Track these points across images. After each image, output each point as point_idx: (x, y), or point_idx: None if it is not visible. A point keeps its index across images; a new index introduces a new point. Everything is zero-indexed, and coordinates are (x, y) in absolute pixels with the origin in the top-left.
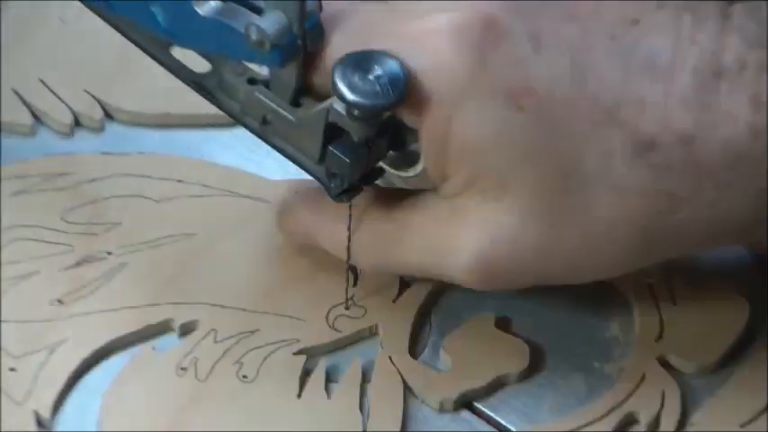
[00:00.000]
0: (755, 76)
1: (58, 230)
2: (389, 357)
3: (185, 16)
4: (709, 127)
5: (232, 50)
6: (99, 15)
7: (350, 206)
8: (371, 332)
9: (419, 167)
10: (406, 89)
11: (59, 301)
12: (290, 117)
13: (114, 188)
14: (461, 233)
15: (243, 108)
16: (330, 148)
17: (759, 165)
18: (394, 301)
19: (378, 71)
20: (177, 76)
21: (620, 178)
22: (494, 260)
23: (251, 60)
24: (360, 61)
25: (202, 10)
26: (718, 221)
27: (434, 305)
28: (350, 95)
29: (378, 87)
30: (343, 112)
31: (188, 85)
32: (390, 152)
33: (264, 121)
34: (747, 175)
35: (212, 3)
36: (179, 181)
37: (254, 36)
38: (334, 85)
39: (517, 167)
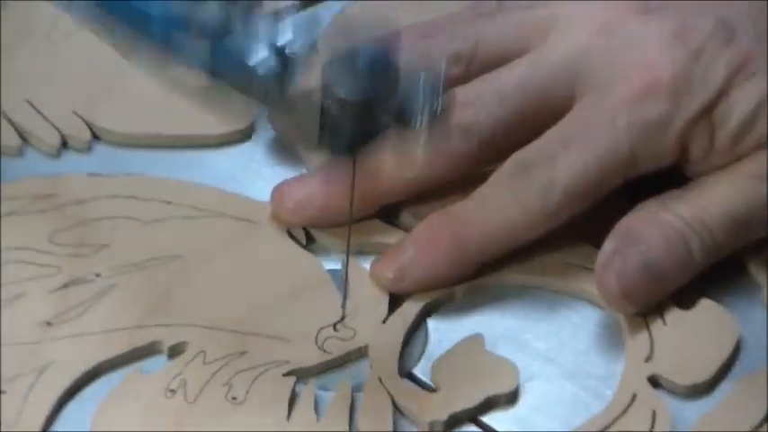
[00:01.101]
0: None
1: (45, 252)
2: (379, 378)
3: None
4: None
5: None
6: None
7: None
8: (361, 353)
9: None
10: (397, 78)
11: (48, 323)
12: (286, 112)
13: (102, 209)
14: None
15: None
16: (326, 130)
17: None
18: (383, 322)
19: (367, 63)
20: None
21: None
22: None
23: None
24: (348, 57)
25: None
26: None
27: (424, 326)
28: (341, 93)
29: (369, 80)
30: (337, 111)
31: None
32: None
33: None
34: None
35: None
36: (167, 202)
37: None
38: (325, 85)
39: None
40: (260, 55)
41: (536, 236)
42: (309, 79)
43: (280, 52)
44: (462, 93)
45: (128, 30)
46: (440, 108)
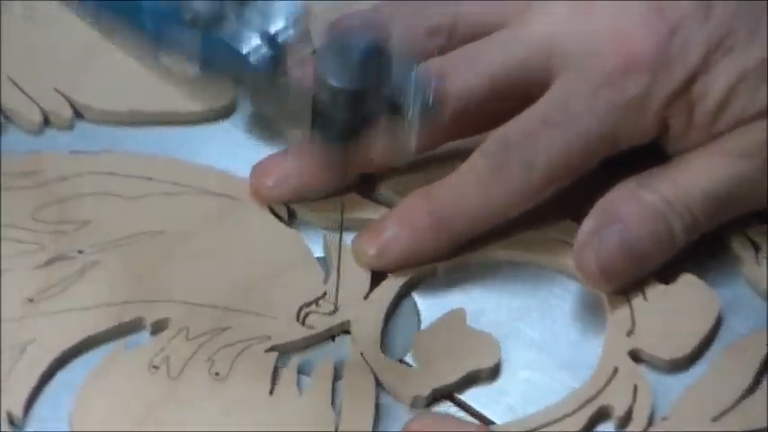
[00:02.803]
0: None
1: (27, 229)
2: (361, 354)
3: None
4: None
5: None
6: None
7: (341, 207)
8: (343, 328)
9: (407, 153)
10: (389, 68)
11: (30, 300)
12: (278, 102)
13: (84, 186)
14: None
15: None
16: (318, 119)
17: None
18: (365, 298)
19: (359, 53)
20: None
21: None
22: None
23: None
24: (341, 46)
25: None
26: None
27: (406, 301)
28: (334, 82)
29: (361, 69)
30: (329, 100)
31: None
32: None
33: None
34: None
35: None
36: (149, 179)
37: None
38: (316, 74)
39: None
40: (252, 43)
41: (516, 213)
42: (301, 68)
43: (272, 40)
44: (438, 62)
45: (117, 16)
46: (431, 97)
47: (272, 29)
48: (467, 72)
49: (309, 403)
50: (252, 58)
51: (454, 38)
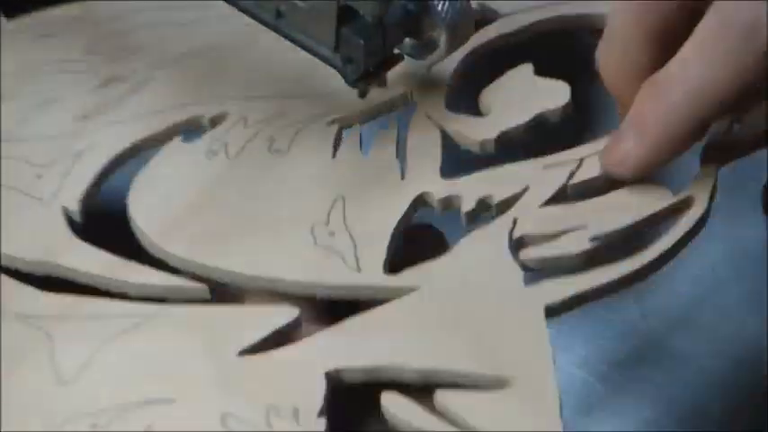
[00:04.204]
0: None
1: (81, 61)
2: (426, 113)
3: None
4: None
5: None
6: None
7: None
8: (406, 99)
9: (438, 54)
10: None
11: (84, 117)
12: (302, 5)
13: (139, 20)
14: None
15: (256, 2)
16: (344, 30)
17: None
18: (428, 71)
19: None
20: None
21: None
22: None
23: None
24: None
25: None
26: None
27: (470, 68)
28: None
29: None
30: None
31: None
32: (407, 40)
33: (278, 14)
34: None
35: None
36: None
37: None
38: None
39: None
40: None
41: None
42: None
43: None
44: None
45: None
46: None
47: None
48: None
49: (374, 160)
50: None
51: None
